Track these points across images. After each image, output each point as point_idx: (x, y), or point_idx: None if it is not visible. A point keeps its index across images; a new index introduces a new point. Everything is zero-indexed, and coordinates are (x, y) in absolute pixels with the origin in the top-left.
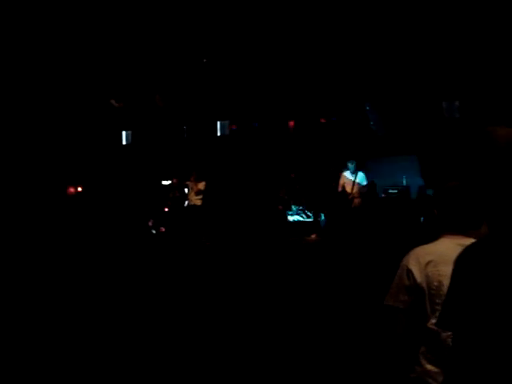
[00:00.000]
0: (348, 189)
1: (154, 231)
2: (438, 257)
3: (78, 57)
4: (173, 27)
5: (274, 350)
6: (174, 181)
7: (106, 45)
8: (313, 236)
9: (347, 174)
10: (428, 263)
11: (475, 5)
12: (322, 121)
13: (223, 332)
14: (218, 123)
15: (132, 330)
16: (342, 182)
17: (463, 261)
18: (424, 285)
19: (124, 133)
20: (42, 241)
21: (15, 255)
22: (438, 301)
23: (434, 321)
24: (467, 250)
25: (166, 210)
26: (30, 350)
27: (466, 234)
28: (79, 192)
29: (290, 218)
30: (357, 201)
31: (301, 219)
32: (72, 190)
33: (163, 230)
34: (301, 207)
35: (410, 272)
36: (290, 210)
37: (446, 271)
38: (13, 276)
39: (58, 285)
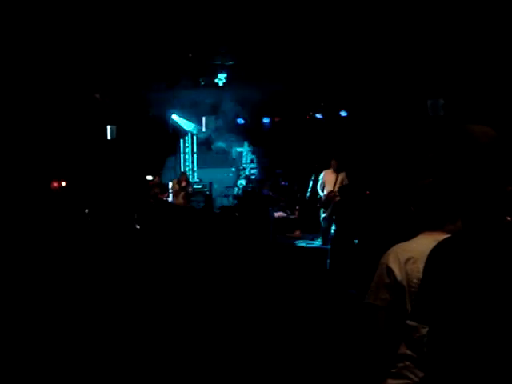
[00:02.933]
0: (330, 186)
1: (138, 226)
2: (418, 254)
3: (62, 50)
4: (159, 22)
5: (253, 349)
6: (156, 179)
7: (90, 39)
8: (297, 232)
9: (330, 172)
10: (407, 260)
11: (459, 4)
12: (307, 117)
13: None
14: (204, 118)
15: (120, 329)
16: (323, 179)
17: (435, 255)
18: (404, 282)
19: (109, 127)
20: (25, 236)
21: None
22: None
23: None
24: (439, 245)
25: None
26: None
27: (444, 230)
28: (63, 187)
29: (276, 214)
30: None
31: (284, 215)
32: (56, 184)
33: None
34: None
35: (389, 270)
36: (276, 206)
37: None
38: None
39: (41, 281)
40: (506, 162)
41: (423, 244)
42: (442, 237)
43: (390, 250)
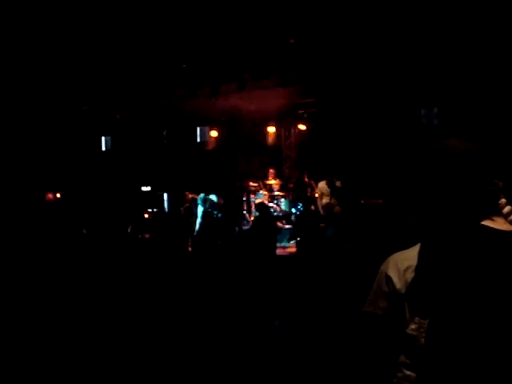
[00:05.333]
0: (326, 199)
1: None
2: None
3: (58, 60)
4: (153, 33)
5: (252, 356)
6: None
7: (85, 50)
8: (291, 242)
9: (324, 185)
10: (407, 269)
11: (453, 13)
12: (302, 126)
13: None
14: (198, 129)
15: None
16: (320, 192)
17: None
18: (403, 291)
19: (103, 138)
20: (20, 247)
21: None
22: None
23: (413, 326)
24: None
25: (146, 216)
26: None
27: None
28: (58, 198)
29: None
30: (336, 209)
31: (282, 226)
32: (51, 196)
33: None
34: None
35: (388, 278)
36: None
37: None
38: None
39: (37, 291)
40: (482, 170)
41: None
42: None
43: (389, 258)
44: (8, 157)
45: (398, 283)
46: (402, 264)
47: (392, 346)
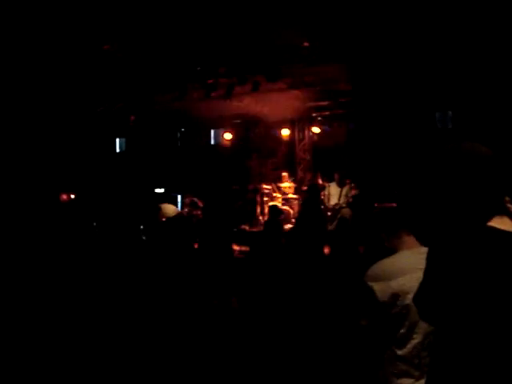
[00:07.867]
0: (334, 199)
1: (144, 238)
2: (400, 269)
3: (72, 61)
4: (166, 34)
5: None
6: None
7: (99, 50)
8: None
9: (333, 185)
10: (390, 276)
11: (466, 16)
12: (316, 129)
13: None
14: (212, 131)
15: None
16: (328, 192)
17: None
18: (386, 299)
19: (118, 140)
20: (34, 247)
21: (5, 263)
22: (404, 311)
23: (402, 331)
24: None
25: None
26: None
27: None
28: (72, 199)
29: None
30: (345, 211)
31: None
32: (65, 197)
33: None
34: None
35: (370, 289)
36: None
37: (410, 280)
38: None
39: (48, 294)
40: (495, 173)
41: (405, 258)
42: (422, 249)
43: (370, 269)
44: (23, 158)
45: (380, 293)
46: (385, 272)
47: (379, 354)
